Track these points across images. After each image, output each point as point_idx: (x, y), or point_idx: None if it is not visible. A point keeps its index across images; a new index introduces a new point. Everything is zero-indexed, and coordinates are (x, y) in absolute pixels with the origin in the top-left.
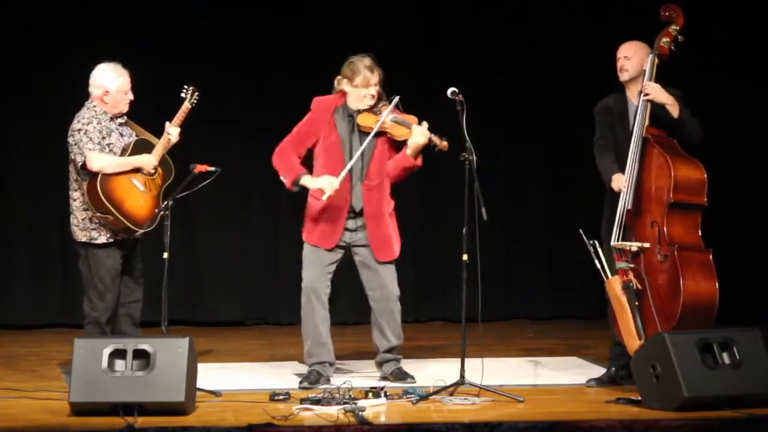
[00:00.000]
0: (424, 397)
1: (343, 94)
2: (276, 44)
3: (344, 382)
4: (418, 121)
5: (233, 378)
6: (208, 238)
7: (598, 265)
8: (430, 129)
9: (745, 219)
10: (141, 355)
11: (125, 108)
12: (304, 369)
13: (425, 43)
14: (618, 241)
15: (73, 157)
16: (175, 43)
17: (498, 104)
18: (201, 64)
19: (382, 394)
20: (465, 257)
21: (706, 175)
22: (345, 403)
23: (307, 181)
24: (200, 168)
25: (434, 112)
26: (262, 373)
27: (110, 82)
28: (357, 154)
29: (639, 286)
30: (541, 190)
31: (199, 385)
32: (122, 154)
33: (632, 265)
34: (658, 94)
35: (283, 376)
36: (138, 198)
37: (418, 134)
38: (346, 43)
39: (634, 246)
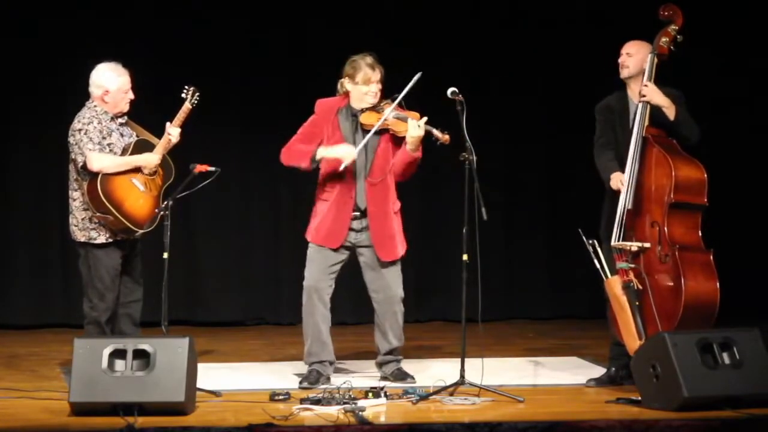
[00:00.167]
0: (424, 397)
1: (347, 95)
2: (276, 44)
3: (344, 382)
4: (420, 117)
5: (233, 378)
6: (208, 238)
7: (598, 265)
8: (430, 123)
9: (745, 219)
10: (141, 355)
11: (126, 108)
12: (304, 369)
13: (425, 43)
14: (618, 241)
15: (73, 157)
16: (175, 43)
17: (498, 104)
18: (201, 64)
19: (382, 394)
20: (465, 257)
21: (706, 175)
22: (345, 403)
23: (323, 151)
24: (200, 168)
25: (434, 112)
26: (262, 373)
27: (110, 81)
28: (361, 144)
29: (639, 286)
30: (541, 190)
31: (199, 385)
32: (122, 154)
33: (633, 265)
34: (654, 96)
35: (283, 376)
36: (138, 198)
37: (413, 127)
38: (347, 43)
39: (634, 246)
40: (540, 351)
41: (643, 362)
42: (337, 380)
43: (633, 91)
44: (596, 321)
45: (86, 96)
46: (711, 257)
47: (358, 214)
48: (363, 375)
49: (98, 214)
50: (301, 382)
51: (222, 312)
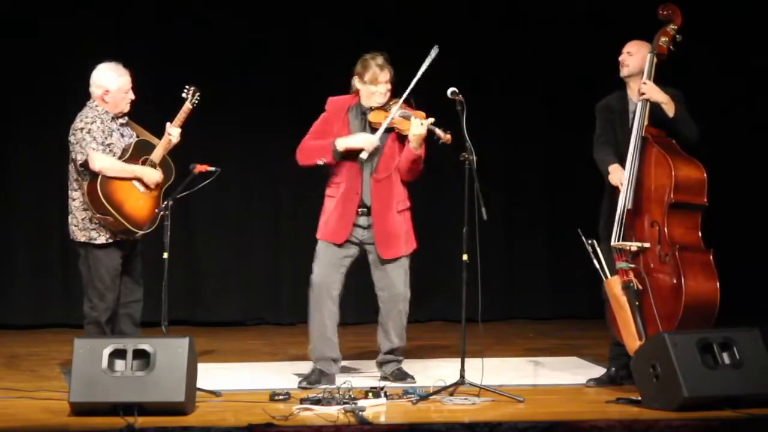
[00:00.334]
0: (424, 397)
1: (357, 93)
2: (276, 44)
3: (344, 382)
4: (426, 116)
5: (233, 378)
6: (208, 238)
7: (597, 265)
8: (435, 124)
9: (745, 219)
10: (141, 355)
11: (126, 108)
12: (304, 369)
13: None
14: (618, 241)
15: (74, 156)
16: (175, 43)
17: (498, 104)
18: (201, 64)
19: (382, 394)
20: (465, 257)
21: (706, 175)
22: (345, 403)
23: (343, 142)
24: (200, 168)
25: (434, 112)
26: (262, 373)
27: (110, 81)
28: (380, 132)
29: (640, 287)
30: (541, 190)
31: (199, 385)
32: (122, 154)
33: (632, 265)
34: (654, 93)
35: (283, 376)
36: (138, 199)
37: (415, 125)
38: (347, 43)
39: (634, 246)
40: (540, 351)
41: (643, 362)
42: (337, 380)
43: (633, 91)
44: (596, 321)
45: (86, 96)
46: (711, 257)
47: (364, 210)
48: (363, 375)
49: (98, 215)
50: (300, 382)
51: (222, 312)
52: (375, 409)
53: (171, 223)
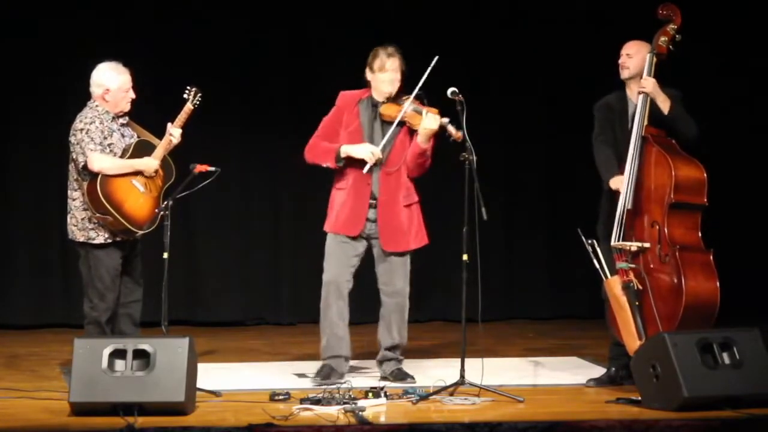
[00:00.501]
0: (424, 397)
1: (369, 88)
2: (276, 44)
3: (344, 382)
4: (439, 113)
5: (233, 378)
6: (208, 238)
7: (597, 265)
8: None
9: (745, 219)
10: (141, 355)
11: (127, 107)
12: (304, 369)
13: (425, 43)
14: (618, 241)
15: (74, 157)
16: (175, 43)
17: (498, 104)
18: (201, 64)
19: (382, 394)
20: (465, 257)
21: (706, 175)
22: (345, 403)
23: (347, 149)
24: (200, 168)
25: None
26: (262, 373)
27: (111, 80)
28: (384, 140)
29: (640, 287)
30: (541, 190)
31: (199, 385)
32: (123, 154)
33: (632, 265)
34: (653, 89)
35: (283, 376)
36: (138, 199)
37: (429, 120)
38: (347, 43)
39: (634, 246)
40: (540, 351)
41: (643, 362)
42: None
43: (632, 92)
44: (596, 321)
45: (87, 96)
46: (711, 257)
47: (374, 202)
48: (363, 375)
49: (98, 214)
50: (314, 377)
51: (222, 312)
52: (375, 409)
53: (171, 223)
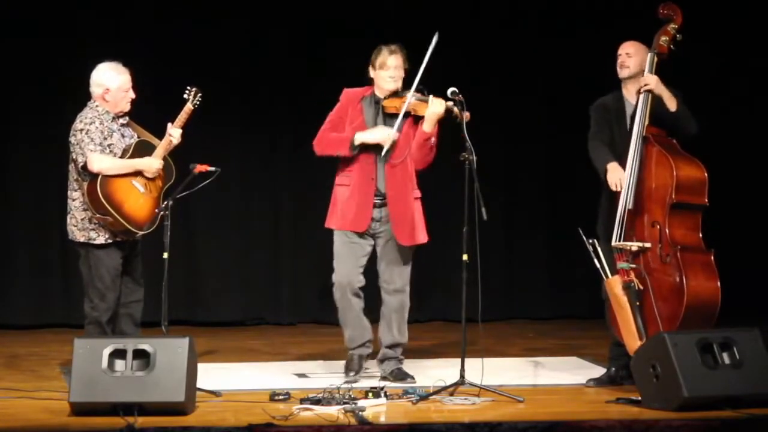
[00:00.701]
0: (424, 397)
1: (372, 85)
2: (276, 44)
3: (344, 382)
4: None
5: (233, 378)
6: (208, 238)
7: (598, 265)
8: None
9: (745, 219)
10: (141, 355)
11: (127, 107)
12: (304, 369)
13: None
14: (619, 240)
15: (74, 157)
16: (175, 43)
17: (498, 104)
18: (201, 64)
19: (382, 394)
20: (465, 257)
21: (707, 175)
22: (345, 403)
23: (361, 136)
24: (200, 168)
25: None
26: (262, 373)
27: (111, 80)
28: (397, 124)
29: (640, 287)
30: (541, 190)
31: (199, 385)
32: (123, 155)
33: (633, 265)
34: (657, 85)
35: (283, 376)
36: (138, 199)
37: (436, 104)
38: (347, 43)
39: (634, 246)
40: (540, 351)
41: (643, 362)
42: (337, 380)
43: (629, 92)
44: (596, 321)
45: (87, 96)
46: (712, 257)
47: (379, 199)
48: (363, 375)
49: (98, 215)
50: (346, 373)
51: (222, 312)
52: (375, 409)
53: (171, 223)
